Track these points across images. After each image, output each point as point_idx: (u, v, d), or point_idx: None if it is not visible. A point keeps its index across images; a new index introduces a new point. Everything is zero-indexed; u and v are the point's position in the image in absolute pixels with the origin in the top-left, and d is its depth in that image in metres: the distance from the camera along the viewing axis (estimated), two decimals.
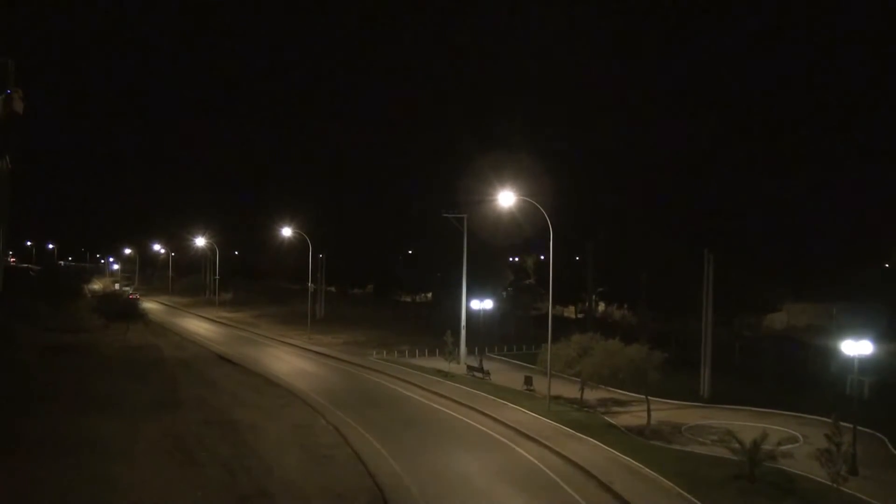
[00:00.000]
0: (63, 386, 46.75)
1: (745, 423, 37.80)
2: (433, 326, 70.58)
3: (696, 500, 26.95)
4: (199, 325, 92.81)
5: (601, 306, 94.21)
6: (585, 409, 42.31)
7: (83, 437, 34.17)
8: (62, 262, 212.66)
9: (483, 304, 59.60)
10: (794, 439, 35.04)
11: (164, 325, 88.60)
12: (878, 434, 35.72)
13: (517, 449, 34.44)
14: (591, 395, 43.97)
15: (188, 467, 30.67)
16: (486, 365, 54.63)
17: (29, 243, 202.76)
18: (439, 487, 28.84)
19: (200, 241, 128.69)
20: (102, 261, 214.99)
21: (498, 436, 36.85)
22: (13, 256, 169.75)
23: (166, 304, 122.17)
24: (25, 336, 68.27)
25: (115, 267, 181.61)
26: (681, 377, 45.71)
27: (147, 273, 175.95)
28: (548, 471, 31.02)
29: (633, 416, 40.39)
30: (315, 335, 77.02)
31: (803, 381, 48.69)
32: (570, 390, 44.36)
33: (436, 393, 47.36)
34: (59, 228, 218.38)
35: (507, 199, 46.35)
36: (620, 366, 39.71)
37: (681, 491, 27.80)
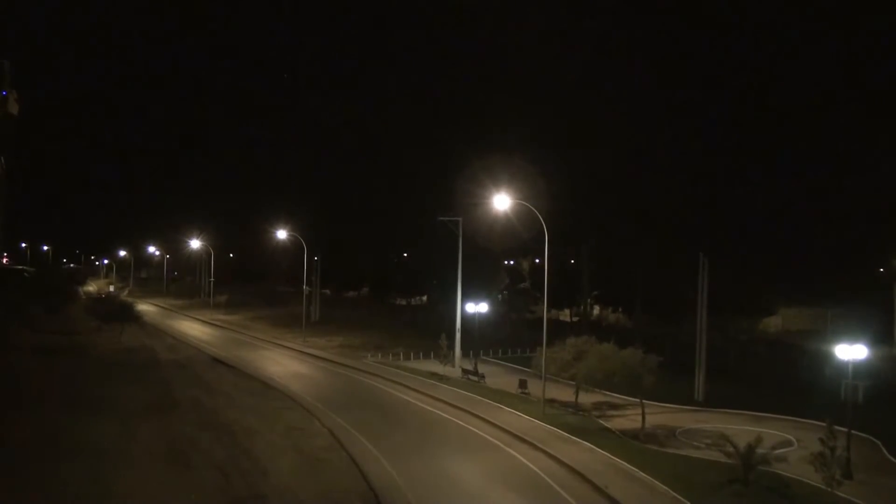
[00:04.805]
0: (57, 388, 46.67)
1: (740, 427, 37.88)
2: (428, 329, 70.57)
3: None
4: (193, 328, 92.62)
5: (596, 310, 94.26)
6: (580, 412, 42.31)
7: (77, 439, 34.11)
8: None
9: (478, 308, 59.57)
10: (788, 443, 35.08)
11: (158, 327, 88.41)
12: (872, 438, 35.79)
13: (512, 452, 34.44)
14: (586, 398, 43.99)
15: (182, 470, 30.61)
16: (481, 368, 54.59)
17: (23, 245, 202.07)
18: (433, 490, 28.84)
19: (196, 244, 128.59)
20: (97, 262, 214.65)
21: (492, 439, 36.84)
22: (7, 257, 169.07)
23: (161, 307, 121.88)
24: (19, 337, 68.10)
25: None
26: (675, 381, 45.75)
27: (141, 275, 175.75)
28: (542, 474, 31.01)
29: (627, 420, 40.41)
30: (310, 338, 76.90)
31: (798, 385, 48.77)
32: (564, 394, 44.37)
33: (431, 396, 47.33)
34: (53, 230, 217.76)
35: (502, 202, 46.37)
36: (615, 369, 39.77)
37: (675, 494, 27.82)
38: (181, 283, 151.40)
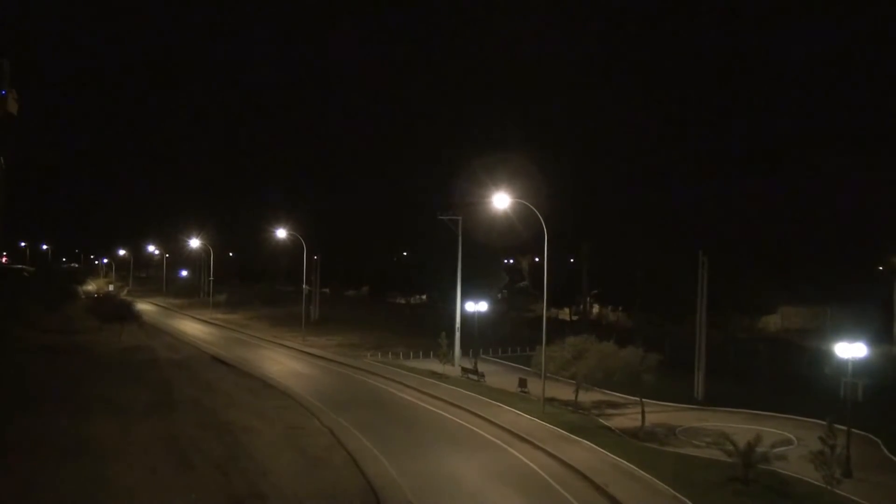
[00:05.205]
0: (57, 387, 46.65)
1: (740, 426, 37.88)
2: (428, 328, 70.54)
3: (689, 502, 26.98)
4: (193, 327, 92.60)
5: (596, 308, 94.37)
6: (580, 411, 42.30)
7: (76, 438, 34.12)
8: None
9: (478, 306, 59.51)
10: (788, 442, 35.05)
11: (158, 326, 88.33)
12: (872, 437, 35.79)
13: (511, 451, 34.43)
14: (586, 397, 43.98)
15: (182, 469, 30.61)
16: (481, 367, 54.57)
17: (23, 244, 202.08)
18: (433, 489, 28.82)
19: (195, 243, 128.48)
20: (97, 262, 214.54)
21: (492, 438, 36.83)
22: (6, 256, 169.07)
23: (160, 306, 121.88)
24: (19, 337, 68.08)
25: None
26: (675, 379, 45.76)
27: (141, 274, 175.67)
28: (542, 473, 31.01)
29: (627, 419, 40.41)
30: (310, 337, 76.89)
31: (797, 384, 48.78)
32: (564, 392, 44.36)
33: (430, 395, 47.32)
34: (53, 229, 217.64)
35: (502, 201, 46.30)
36: (615, 368, 39.81)
37: (675, 493, 27.81)
38: (180, 281, 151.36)
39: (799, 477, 29.08)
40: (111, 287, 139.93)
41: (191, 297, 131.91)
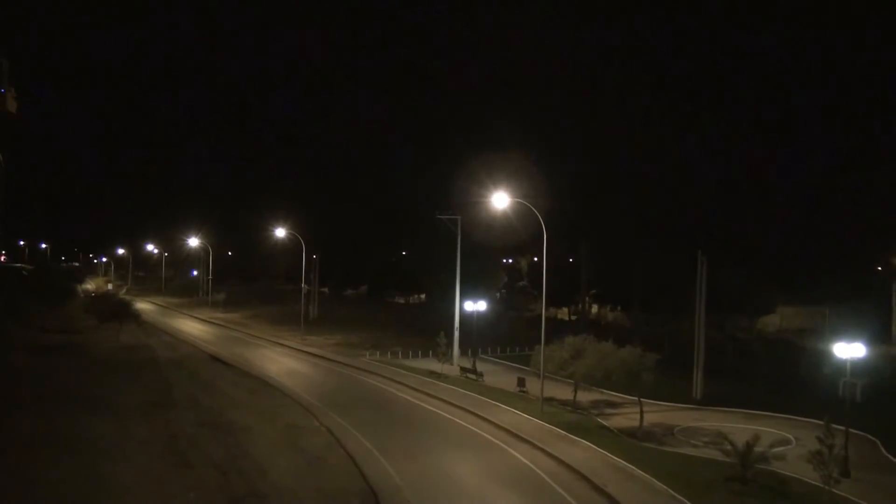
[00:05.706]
0: (55, 386, 46.59)
1: (738, 426, 37.93)
2: (426, 328, 70.52)
3: (687, 502, 27.02)
4: (192, 326, 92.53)
5: (594, 308, 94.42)
6: (578, 410, 42.33)
7: (75, 437, 34.08)
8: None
9: (476, 306, 59.47)
10: (786, 441, 35.06)
11: (156, 325, 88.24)
12: (870, 437, 35.88)
13: (510, 451, 34.44)
14: (584, 396, 44.01)
15: (181, 468, 30.60)
16: (480, 366, 54.60)
17: (22, 242, 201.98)
18: (431, 489, 28.83)
19: (194, 242, 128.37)
20: (96, 261, 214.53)
21: (491, 437, 36.85)
22: (5, 255, 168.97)
23: (159, 305, 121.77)
24: (17, 336, 68.02)
25: None
26: (673, 379, 45.78)
27: (140, 273, 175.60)
28: (540, 472, 31.03)
29: (625, 418, 40.43)
30: (308, 336, 76.88)
31: (796, 384, 48.81)
32: (563, 392, 44.40)
33: (429, 394, 47.33)
34: (52, 228, 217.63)
35: (500, 200, 46.28)
36: (613, 368, 39.84)
37: (673, 493, 27.85)
38: (179, 280, 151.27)
39: (797, 477, 29.13)
40: (110, 286, 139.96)
41: (189, 296, 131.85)
